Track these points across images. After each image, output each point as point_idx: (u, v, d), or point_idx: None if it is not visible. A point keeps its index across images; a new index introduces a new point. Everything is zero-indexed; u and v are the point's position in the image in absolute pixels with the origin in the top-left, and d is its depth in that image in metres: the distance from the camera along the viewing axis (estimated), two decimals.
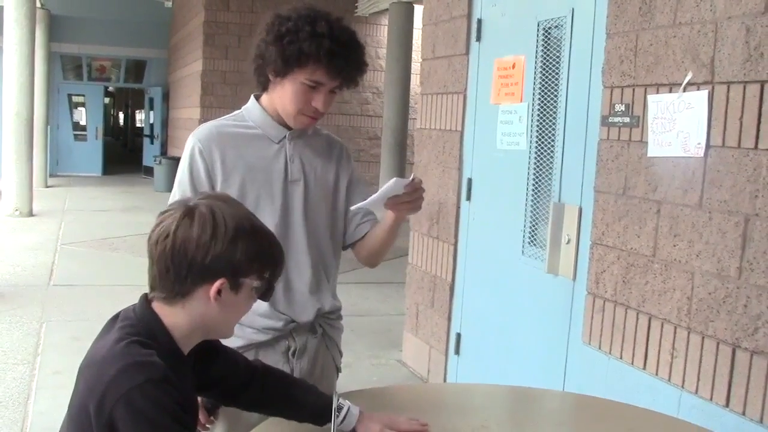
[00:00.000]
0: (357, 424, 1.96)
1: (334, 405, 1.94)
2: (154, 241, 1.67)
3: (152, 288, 1.71)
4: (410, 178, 2.25)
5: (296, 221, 2.46)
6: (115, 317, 1.74)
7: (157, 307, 1.70)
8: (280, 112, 2.42)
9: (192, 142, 2.41)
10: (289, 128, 2.46)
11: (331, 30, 2.30)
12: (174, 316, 1.70)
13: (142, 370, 1.55)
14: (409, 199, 2.28)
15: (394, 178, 2.20)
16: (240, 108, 2.55)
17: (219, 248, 1.64)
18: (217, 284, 1.66)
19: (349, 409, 1.97)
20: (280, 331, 2.45)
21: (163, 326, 1.69)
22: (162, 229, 1.66)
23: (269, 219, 2.38)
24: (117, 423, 1.52)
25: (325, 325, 2.56)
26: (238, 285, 1.70)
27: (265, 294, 1.78)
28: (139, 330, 1.65)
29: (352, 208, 2.36)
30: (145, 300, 1.72)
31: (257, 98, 2.50)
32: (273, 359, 2.44)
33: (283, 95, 2.38)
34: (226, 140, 2.41)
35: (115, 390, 1.53)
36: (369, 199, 2.28)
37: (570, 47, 3.99)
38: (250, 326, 2.40)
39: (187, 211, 1.67)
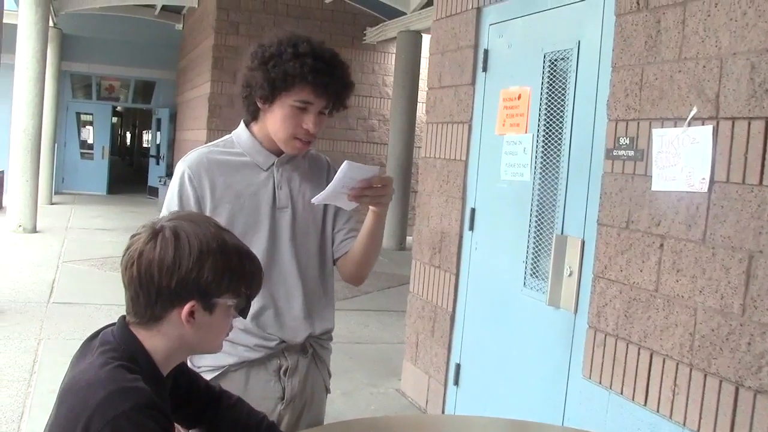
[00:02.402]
0: None
1: None
2: (124, 266, 1.66)
3: (128, 312, 1.69)
4: (371, 168, 2.23)
5: (284, 248, 2.46)
6: (92, 338, 1.71)
7: (135, 330, 1.68)
8: (273, 139, 2.43)
9: (182, 168, 2.42)
10: (277, 155, 2.47)
11: (313, 49, 2.34)
12: (152, 340, 1.67)
13: (128, 396, 1.52)
14: (371, 194, 2.27)
15: (346, 161, 2.17)
16: None
17: (184, 271, 1.61)
18: (187, 307, 1.63)
19: None
20: (271, 349, 2.46)
21: (144, 350, 1.66)
22: (129, 254, 1.64)
23: (257, 247, 2.38)
24: None
25: (315, 345, 2.57)
26: (211, 305, 1.66)
27: (243, 311, 1.74)
28: (121, 354, 1.62)
29: (313, 200, 2.31)
30: (124, 322, 1.69)
31: (247, 124, 2.51)
32: (264, 377, 2.47)
33: (274, 121, 2.40)
34: (216, 167, 2.43)
35: (101, 416, 1.50)
36: (326, 188, 2.25)
37: (576, 79, 3.99)
38: (241, 344, 2.42)
39: (153, 234, 1.64)
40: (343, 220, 2.58)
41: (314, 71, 2.31)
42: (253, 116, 2.48)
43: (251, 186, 2.45)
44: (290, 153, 2.46)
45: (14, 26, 12.94)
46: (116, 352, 1.63)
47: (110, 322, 1.74)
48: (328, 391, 2.69)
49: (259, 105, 2.41)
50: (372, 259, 2.53)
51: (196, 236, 1.64)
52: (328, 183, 2.53)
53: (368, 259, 2.53)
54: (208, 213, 2.38)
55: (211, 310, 1.67)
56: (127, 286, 1.66)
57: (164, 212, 2.36)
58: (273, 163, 2.48)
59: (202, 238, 1.64)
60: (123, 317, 1.71)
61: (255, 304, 2.38)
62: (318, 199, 2.29)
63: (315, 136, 2.43)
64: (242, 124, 2.52)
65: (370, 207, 2.38)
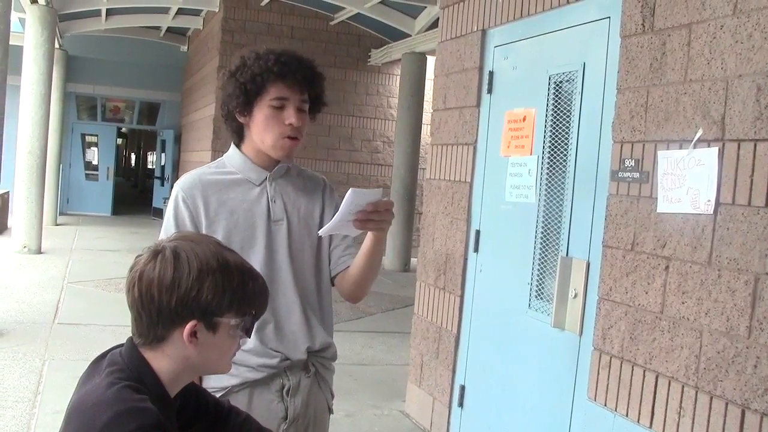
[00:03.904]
0: None
1: None
2: (127, 287, 1.65)
3: (133, 333, 1.69)
4: (375, 191, 2.26)
5: (282, 261, 2.50)
6: (100, 358, 1.70)
7: (143, 350, 1.67)
8: (262, 148, 2.49)
9: (176, 191, 2.49)
10: (269, 170, 2.53)
11: (274, 50, 2.45)
12: (158, 360, 1.66)
13: (135, 417, 1.51)
14: (377, 218, 2.27)
15: (351, 189, 2.19)
16: None
17: (183, 290, 1.60)
18: (188, 327, 1.62)
19: None
20: (274, 368, 2.48)
21: (151, 370, 1.65)
22: (131, 275, 1.64)
23: (255, 261, 2.42)
24: None
25: (318, 365, 2.59)
26: (214, 325, 1.64)
27: (248, 330, 1.72)
28: (128, 374, 1.62)
29: (320, 232, 2.34)
30: (132, 343, 1.68)
31: (237, 145, 2.58)
32: (267, 398, 2.49)
33: (258, 129, 2.46)
34: (208, 187, 2.49)
35: None
36: (333, 219, 2.26)
37: (581, 101, 4.00)
38: (244, 364, 2.43)
39: (153, 254, 1.64)
40: (339, 236, 2.60)
41: (279, 63, 2.40)
42: (239, 136, 2.55)
43: (245, 202, 2.50)
44: (282, 156, 2.49)
45: (20, 48, 13.03)
46: (123, 373, 1.62)
47: (118, 343, 1.73)
48: (331, 411, 2.70)
49: (241, 120, 2.49)
50: (370, 279, 2.55)
51: (195, 255, 1.63)
52: (324, 200, 2.59)
53: (366, 280, 2.54)
54: (203, 231, 2.42)
55: (214, 329, 1.65)
56: (130, 307, 1.66)
57: (162, 235, 2.40)
58: (265, 178, 2.53)
59: (202, 257, 1.63)
60: (131, 338, 1.70)
61: None
62: (324, 230, 2.30)
63: (302, 133, 2.48)
64: (232, 146, 2.59)
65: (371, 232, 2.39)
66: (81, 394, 1.63)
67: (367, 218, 2.26)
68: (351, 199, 2.18)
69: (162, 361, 1.66)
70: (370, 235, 2.41)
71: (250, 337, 1.77)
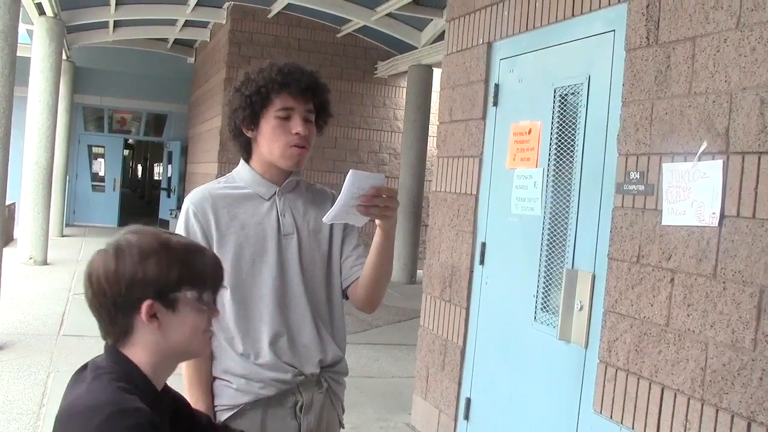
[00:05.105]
0: None
1: None
2: (83, 293, 1.67)
3: (103, 338, 1.70)
4: (377, 175, 2.25)
5: (293, 274, 2.50)
6: (81, 369, 1.71)
7: (119, 349, 1.67)
8: (271, 159, 2.49)
9: (187, 206, 2.50)
10: (278, 184, 2.53)
11: (276, 63, 2.47)
12: (136, 354, 1.66)
13: (127, 417, 1.52)
14: (380, 203, 2.26)
15: (351, 171, 2.18)
16: None
17: (129, 274, 1.60)
18: (144, 308, 1.62)
19: None
20: (288, 383, 2.47)
21: (135, 366, 1.66)
22: (84, 279, 1.66)
23: (267, 274, 2.44)
24: None
25: (330, 381, 2.58)
26: (171, 302, 1.64)
27: (213, 304, 1.73)
28: (116, 375, 1.62)
29: (324, 219, 2.31)
30: (109, 346, 1.69)
31: (246, 161, 2.58)
32: (281, 414, 2.48)
33: (265, 141, 2.47)
34: (219, 202, 2.49)
35: None
36: (336, 203, 2.23)
37: (586, 114, 4.01)
38: (257, 379, 2.43)
39: (98, 253, 1.66)
40: (350, 246, 2.60)
41: (282, 74, 2.42)
42: (247, 151, 2.56)
43: (255, 216, 2.50)
44: (291, 165, 2.49)
45: (28, 59, 13.08)
46: (112, 374, 1.62)
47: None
48: (342, 426, 2.69)
49: (248, 134, 2.49)
50: (383, 281, 2.52)
51: (137, 242, 1.65)
52: None
53: (378, 282, 2.51)
54: (215, 245, 2.43)
55: (172, 307, 1.65)
56: (90, 309, 1.67)
57: None
58: (275, 193, 2.53)
59: (143, 241, 1.65)
60: (106, 343, 1.71)
61: (271, 331, 2.44)
62: (329, 217, 2.27)
63: (309, 142, 2.48)
64: (241, 161, 2.60)
65: (378, 223, 2.36)
66: (69, 400, 1.63)
67: (371, 203, 2.24)
68: (352, 181, 2.17)
69: (138, 353, 1.67)
70: (378, 230, 2.39)
71: (218, 313, 1.76)
